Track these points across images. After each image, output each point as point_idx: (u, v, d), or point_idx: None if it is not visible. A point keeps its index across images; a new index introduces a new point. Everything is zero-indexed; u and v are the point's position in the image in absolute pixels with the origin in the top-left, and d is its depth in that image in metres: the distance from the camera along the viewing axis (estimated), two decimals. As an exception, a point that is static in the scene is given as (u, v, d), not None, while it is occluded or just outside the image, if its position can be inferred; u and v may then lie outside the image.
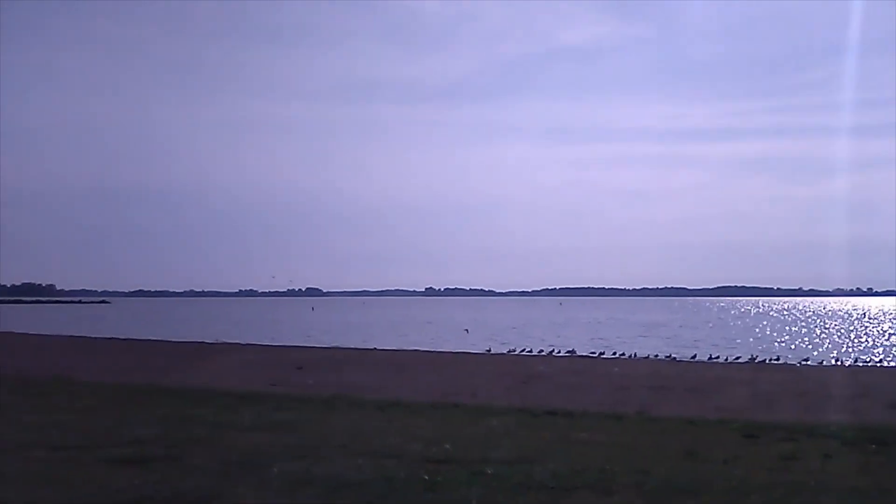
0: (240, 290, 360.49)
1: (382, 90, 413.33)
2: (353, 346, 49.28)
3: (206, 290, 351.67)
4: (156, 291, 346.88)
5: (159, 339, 57.37)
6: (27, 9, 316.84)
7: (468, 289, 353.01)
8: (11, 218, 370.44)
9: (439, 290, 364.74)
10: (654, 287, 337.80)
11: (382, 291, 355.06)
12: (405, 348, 48.34)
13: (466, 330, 71.55)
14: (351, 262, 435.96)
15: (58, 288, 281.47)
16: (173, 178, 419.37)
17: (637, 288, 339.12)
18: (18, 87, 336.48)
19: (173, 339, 56.01)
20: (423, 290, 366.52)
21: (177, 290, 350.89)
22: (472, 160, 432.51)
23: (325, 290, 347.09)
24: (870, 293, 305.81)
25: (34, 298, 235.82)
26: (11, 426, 13.38)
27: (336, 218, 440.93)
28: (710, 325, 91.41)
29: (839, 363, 39.90)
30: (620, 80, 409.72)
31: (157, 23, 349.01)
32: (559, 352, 43.47)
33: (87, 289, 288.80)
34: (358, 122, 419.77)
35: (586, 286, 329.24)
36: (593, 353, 43.25)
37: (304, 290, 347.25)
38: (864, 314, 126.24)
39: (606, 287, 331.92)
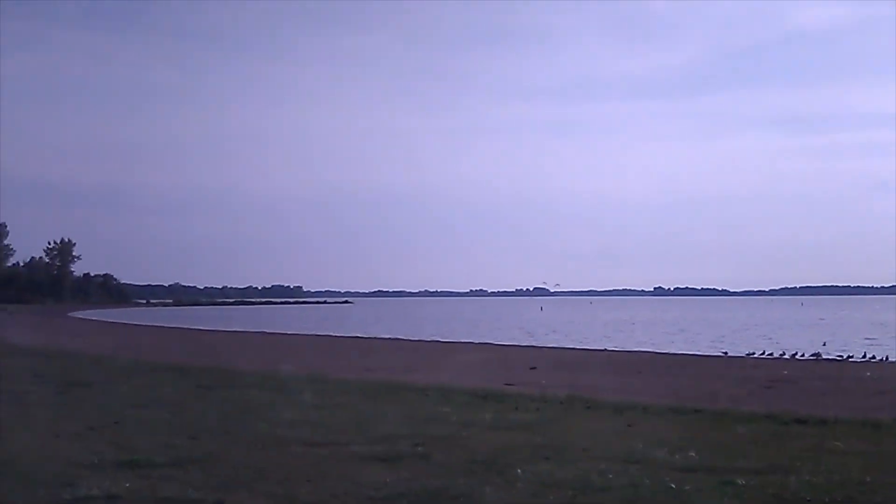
0: (470, 290, 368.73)
1: (610, 87, 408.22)
2: (581, 347, 49.06)
3: (439, 290, 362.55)
4: (393, 292, 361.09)
5: (398, 337, 59.62)
6: (268, 26, 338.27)
7: (699, 288, 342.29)
8: (260, 223, 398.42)
9: (669, 289, 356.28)
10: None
11: (609, 291, 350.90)
12: (634, 349, 47.56)
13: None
14: (578, 261, 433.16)
15: (304, 289, 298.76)
16: (411, 184, 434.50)
17: (890, 286, 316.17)
18: (271, 102, 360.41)
19: (412, 338, 58.00)
20: (653, 289, 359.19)
21: (412, 291, 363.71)
22: (704, 154, 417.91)
23: (551, 290, 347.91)
24: None
25: (283, 300, 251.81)
26: (272, 423, 14.29)
27: (563, 217, 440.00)
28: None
29: None
30: (861, 63, 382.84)
31: (391, 31, 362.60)
32: (803, 355, 41.22)
33: (331, 290, 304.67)
34: (587, 120, 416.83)
35: (830, 284, 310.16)
36: (840, 356, 40.69)
37: (531, 289, 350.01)
38: None
39: (852, 286, 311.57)
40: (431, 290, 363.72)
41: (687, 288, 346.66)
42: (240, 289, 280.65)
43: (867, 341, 52.56)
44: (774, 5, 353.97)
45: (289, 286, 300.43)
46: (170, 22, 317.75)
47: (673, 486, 9.30)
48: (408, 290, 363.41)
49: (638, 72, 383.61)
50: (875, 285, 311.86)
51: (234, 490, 9.28)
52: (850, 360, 38.98)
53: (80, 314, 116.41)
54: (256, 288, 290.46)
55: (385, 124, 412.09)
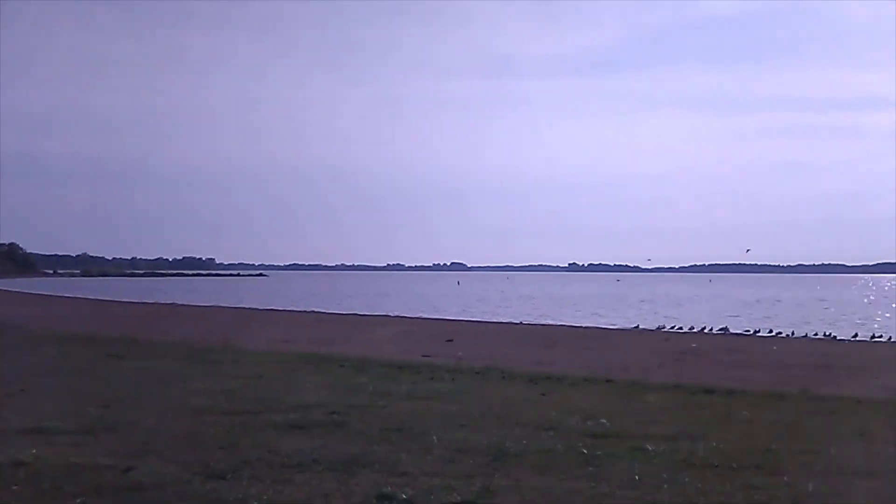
0: (388, 265, 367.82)
1: (526, 64, 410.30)
2: (497, 321, 49.50)
3: (356, 264, 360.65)
4: (309, 265, 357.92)
5: (316, 310, 59.23)
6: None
7: (612, 264, 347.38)
8: (171, 194, 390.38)
9: (583, 265, 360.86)
10: (811, 264, 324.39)
11: (525, 266, 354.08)
12: (552, 323, 48.22)
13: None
14: (495, 238, 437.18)
15: (217, 262, 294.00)
16: (328, 156, 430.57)
17: (792, 265, 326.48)
18: (184, 71, 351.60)
19: (329, 311, 57.69)
20: (567, 265, 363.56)
21: (329, 264, 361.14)
22: (620, 134, 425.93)
23: (469, 265, 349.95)
24: None
25: (195, 272, 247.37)
26: (185, 392, 14.10)
27: (480, 193, 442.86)
28: (868, 300, 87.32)
29: None
30: (775, 47, 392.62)
31: (307, 4, 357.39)
32: (711, 329, 42.34)
33: (244, 262, 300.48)
34: (501, 97, 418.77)
35: (737, 263, 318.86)
36: (748, 330, 41.92)
37: (448, 264, 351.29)
38: None
39: (759, 264, 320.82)
40: (348, 263, 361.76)
41: (601, 264, 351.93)
42: (150, 260, 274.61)
43: (766, 318, 54.26)
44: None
45: (201, 258, 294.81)
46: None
47: (585, 451, 9.48)
48: (324, 264, 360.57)
49: (556, 51, 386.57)
50: (781, 264, 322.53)
51: (145, 457, 9.11)
52: (757, 334, 40.19)
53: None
54: (167, 259, 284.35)
55: (301, 95, 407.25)
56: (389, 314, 54.35)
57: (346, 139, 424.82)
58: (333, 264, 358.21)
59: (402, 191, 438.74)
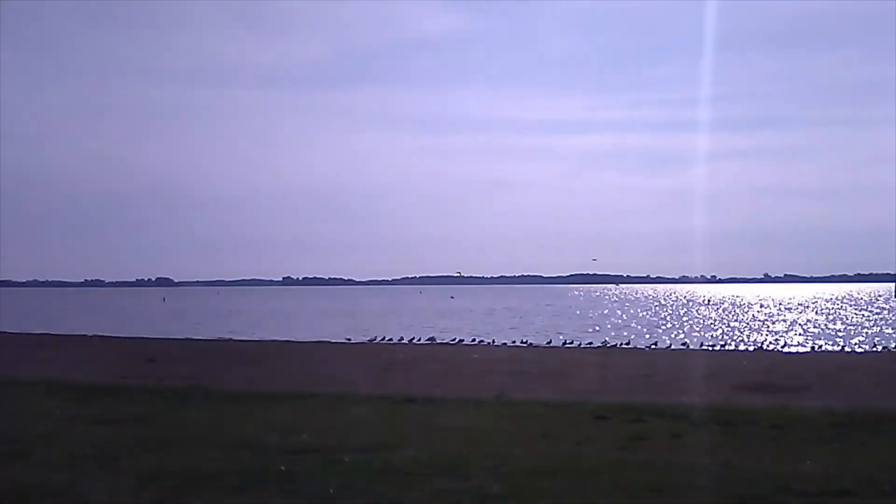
0: (85, 280, 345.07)
1: (236, 74, 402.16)
2: (207, 338, 48.07)
3: (49, 279, 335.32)
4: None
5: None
6: None
7: (327, 278, 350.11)
8: None
9: (297, 279, 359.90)
10: (512, 275, 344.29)
11: (238, 281, 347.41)
12: (263, 339, 47.56)
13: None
14: (205, 251, 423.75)
15: None
16: (16, 162, 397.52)
17: (496, 276, 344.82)
18: None
19: (14, 332, 53.23)
20: (281, 279, 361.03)
21: (19, 280, 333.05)
22: (331, 147, 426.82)
23: (177, 280, 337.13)
24: (714, 280, 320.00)
25: None
26: None
27: (189, 205, 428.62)
28: (574, 311, 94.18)
29: (686, 347, 41.60)
30: (479, 72, 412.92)
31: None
32: (420, 340, 43.71)
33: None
34: (211, 107, 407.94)
35: (446, 275, 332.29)
36: (453, 339, 43.68)
37: (154, 280, 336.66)
38: (708, 300, 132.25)
39: (466, 276, 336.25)
40: (41, 279, 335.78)
41: (315, 278, 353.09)
42: None
43: (477, 326, 57.00)
44: (395, 11, 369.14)
45: None
46: None
47: (283, 468, 9.39)
48: (14, 280, 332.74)
49: (268, 62, 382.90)
50: (486, 276, 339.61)
51: None
52: (462, 343, 41.99)
53: None
54: None
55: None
56: (86, 333, 51.10)
57: (37, 145, 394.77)
58: (24, 280, 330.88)
59: (100, 201, 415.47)
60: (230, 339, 47.07)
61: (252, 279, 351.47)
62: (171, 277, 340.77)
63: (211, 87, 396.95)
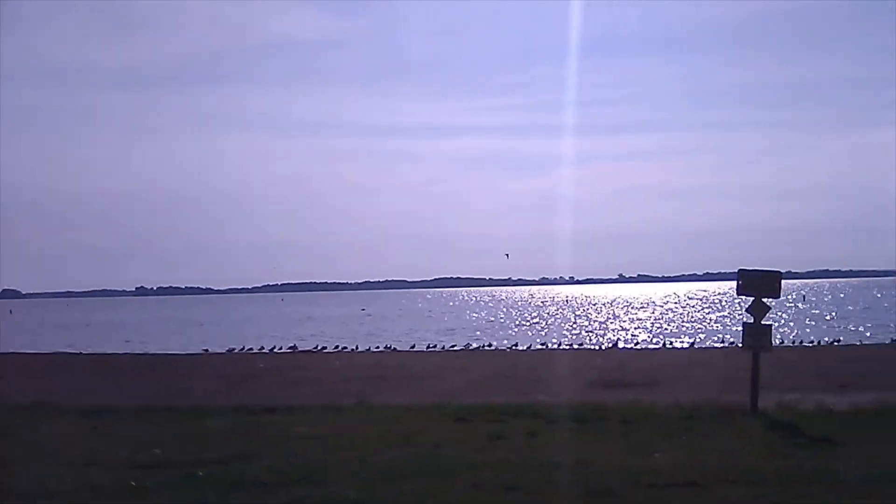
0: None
1: (88, 74, 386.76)
2: (53, 351, 46.01)
3: None
4: None
5: None
6: None
7: (184, 287, 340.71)
8: None
9: (151, 288, 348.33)
10: (376, 280, 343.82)
11: (89, 292, 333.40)
12: (116, 352, 45.86)
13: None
14: (54, 262, 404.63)
15: None
16: None
17: (360, 282, 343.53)
18: None
19: None
20: (134, 289, 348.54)
21: None
22: (186, 150, 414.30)
23: (24, 293, 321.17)
24: (572, 281, 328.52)
25: None
26: None
27: (37, 213, 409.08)
28: (428, 314, 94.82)
29: (545, 347, 42.51)
30: (341, 74, 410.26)
31: None
32: (281, 348, 43.09)
33: None
34: (63, 109, 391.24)
35: (308, 282, 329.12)
36: (315, 347, 43.26)
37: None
38: (568, 300, 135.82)
39: (329, 282, 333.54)
40: None
41: (171, 287, 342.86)
42: None
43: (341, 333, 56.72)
44: (254, 12, 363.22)
45: None
46: None
47: (134, 483, 9.08)
48: None
49: (124, 63, 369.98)
50: (350, 281, 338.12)
51: None
52: (324, 350, 41.64)
53: None
54: None
55: None
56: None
57: None
58: None
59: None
60: (80, 352, 45.19)
61: (103, 290, 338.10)
62: (18, 289, 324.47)
63: (59, 87, 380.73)
